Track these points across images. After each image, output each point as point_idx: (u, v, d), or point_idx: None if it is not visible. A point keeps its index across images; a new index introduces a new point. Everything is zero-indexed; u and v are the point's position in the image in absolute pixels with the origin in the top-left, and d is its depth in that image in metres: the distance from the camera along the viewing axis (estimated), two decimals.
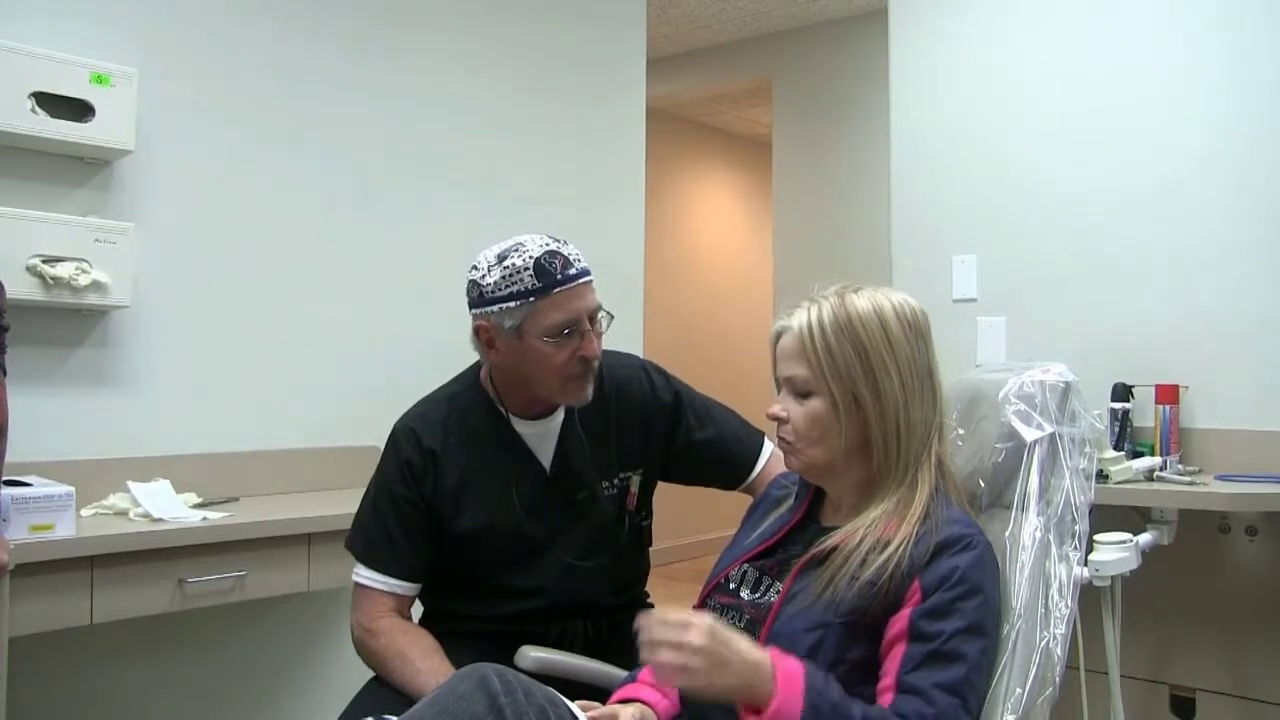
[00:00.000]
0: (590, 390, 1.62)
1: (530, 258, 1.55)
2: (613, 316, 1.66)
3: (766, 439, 1.83)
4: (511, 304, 1.55)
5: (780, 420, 1.36)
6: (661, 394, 1.77)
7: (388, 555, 1.65)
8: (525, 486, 1.66)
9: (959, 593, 1.21)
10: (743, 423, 1.84)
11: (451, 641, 1.62)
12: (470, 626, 1.68)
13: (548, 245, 1.58)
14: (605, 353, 1.69)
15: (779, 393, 1.37)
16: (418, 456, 1.64)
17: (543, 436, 1.68)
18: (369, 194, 2.74)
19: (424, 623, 1.71)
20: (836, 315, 1.31)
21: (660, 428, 1.75)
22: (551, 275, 1.55)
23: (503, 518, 1.64)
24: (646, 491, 1.76)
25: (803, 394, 1.34)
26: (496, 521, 1.64)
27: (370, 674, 1.65)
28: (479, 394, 1.70)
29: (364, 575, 1.66)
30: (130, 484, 2.13)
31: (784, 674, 1.13)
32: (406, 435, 1.67)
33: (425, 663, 1.54)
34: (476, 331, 1.62)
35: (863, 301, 1.33)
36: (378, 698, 1.57)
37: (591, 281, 1.61)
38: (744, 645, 1.13)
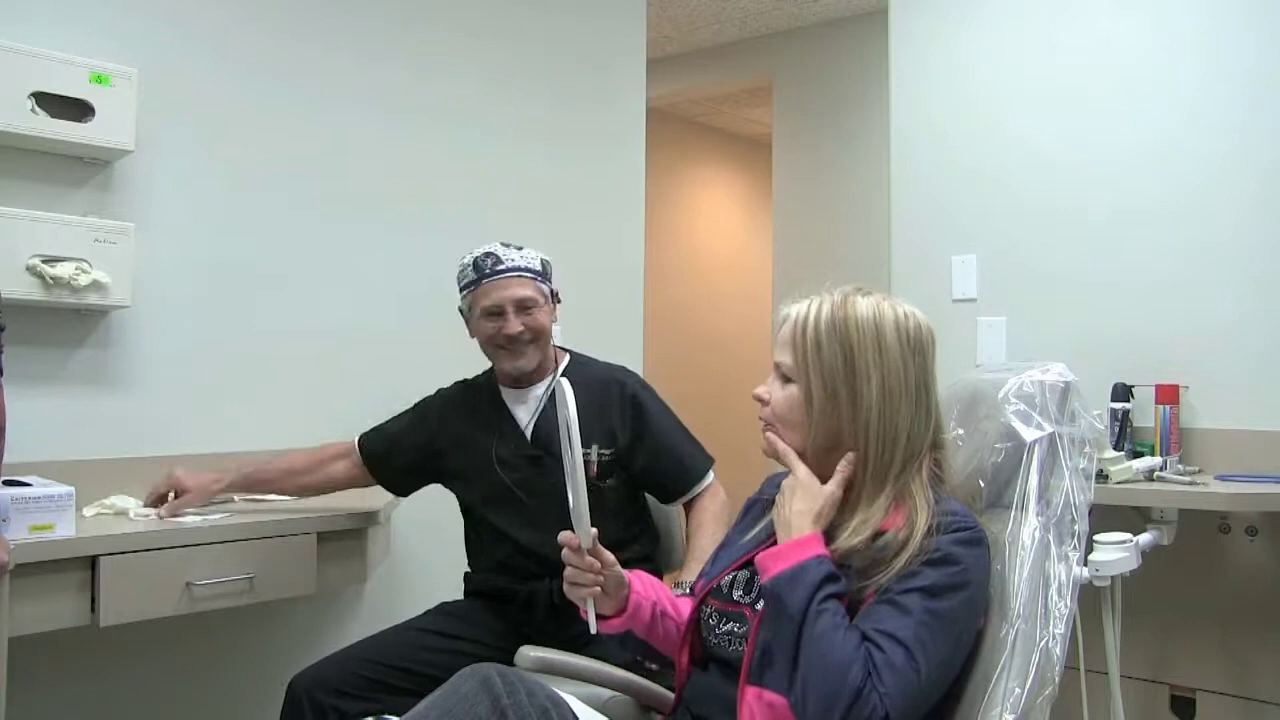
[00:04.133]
0: (521, 362, 2.04)
1: (472, 257, 2.06)
2: (551, 298, 2.09)
3: (712, 471, 2.13)
4: (464, 292, 2.08)
5: (761, 401, 1.38)
6: (627, 394, 2.10)
7: (375, 430, 2.21)
8: (505, 443, 2.08)
9: (929, 559, 1.22)
10: (693, 448, 2.13)
11: (474, 598, 2.13)
12: (480, 578, 2.14)
13: (487, 248, 2.06)
14: (597, 362, 2.19)
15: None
16: (436, 404, 2.19)
17: (525, 405, 2.11)
18: (368, 193, 2.74)
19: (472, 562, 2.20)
20: (834, 314, 1.33)
21: (621, 421, 2.07)
22: (483, 270, 2.03)
23: (480, 461, 2.08)
24: (608, 465, 2.05)
25: (786, 380, 1.36)
26: (476, 463, 2.09)
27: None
28: (488, 376, 2.18)
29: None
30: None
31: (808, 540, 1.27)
32: (437, 393, 2.22)
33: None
34: (460, 313, 2.13)
35: (865, 306, 1.34)
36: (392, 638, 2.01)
37: (521, 275, 2.04)
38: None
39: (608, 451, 2.05)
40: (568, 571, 1.42)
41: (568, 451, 1.37)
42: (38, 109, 2.07)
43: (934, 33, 3.07)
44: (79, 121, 2.12)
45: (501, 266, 2.03)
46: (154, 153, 2.31)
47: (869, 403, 1.30)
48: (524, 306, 2.02)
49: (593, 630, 1.44)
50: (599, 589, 1.42)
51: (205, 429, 2.41)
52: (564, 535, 1.41)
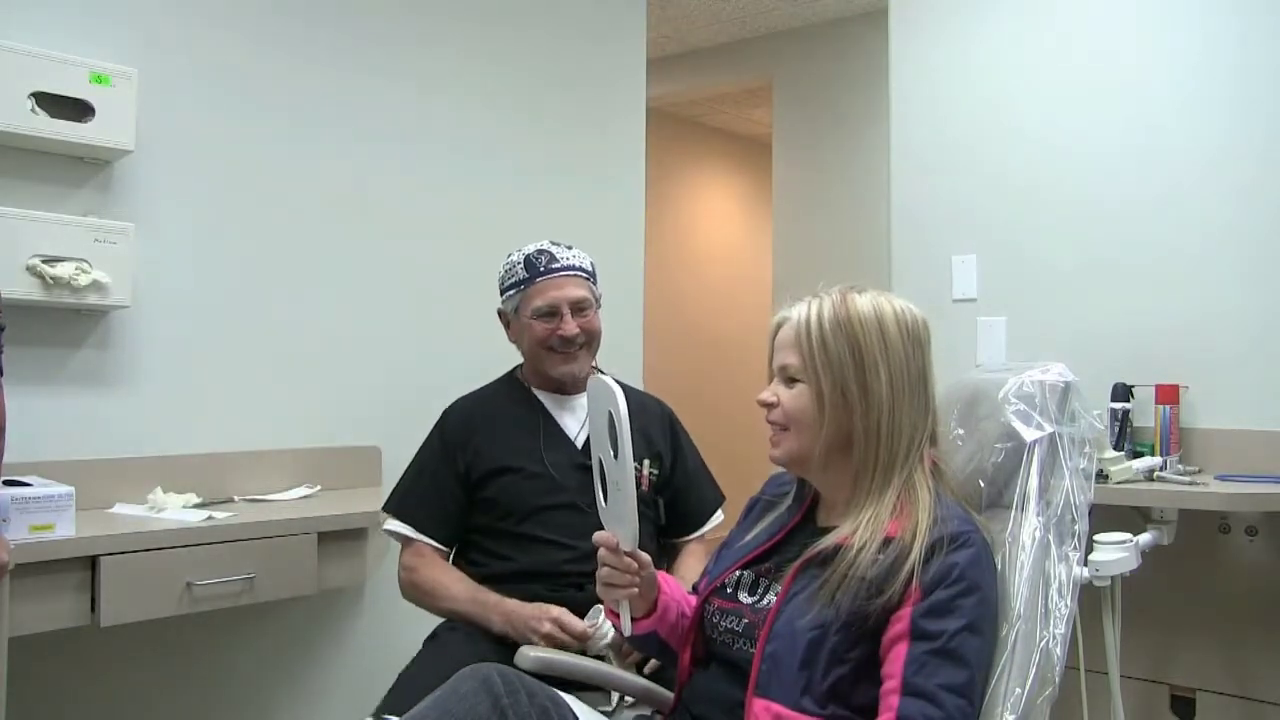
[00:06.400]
0: (574, 367, 1.93)
1: (523, 254, 1.94)
2: (599, 302, 1.98)
3: (721, 509, 2.09)
4: (510, 291, 1.95)
5: (769, 405, 1.38)
6: (666, 417, 2.06)
7: (421, 512, 1.93)
8: (552, 451, 1.92)
9: (958, 590, 1.21)
10: (712, 485, 2.10)
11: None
12: (502, 585, 1.83)
13: (538, 245, 1.96)
14: (634, 390, 2.02)
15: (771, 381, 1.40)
16: (457, 433, 1.95)
17: (571, 411, 1.97)
18: (369, 193, 2.74)
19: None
20: (836, 312, 1.34)
21: (664, 442, 2.02)
22: (536, 268, 1.92)
23: (524, 460, 1.89)
24: (657, 482, 1.98)
25: (792, 382, 1.36)
26: (519, 462, 1.89)
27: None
28: (514, 384, 2.04)
29: (397, 525, 1.94)
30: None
31: None
32: (450, 414, 2.01)
33: (456, 588, 1.84)
34: (499, 314, 2.01)
35: (864, 302, 1.35)
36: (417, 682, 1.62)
37: (576, 275, 1.94)
38: None
39: (655, 471, 1.97)
40: (603, 572, 1.40)
41: (607, 451, 1.36)
42: (38, 109, 2.07)
43: (934, 32, 3.07)
44: (79, 121, 2.12)
45: (557, 265, 1.92)
46: (154, 153, 2.31)
47: (878, 398, 1.31)
48: (580, 308, 1.92)
49: (626, 633, 1.43)
50: (635, 590, 1.41)
51: (205, 429, 2.41)
52: (600, 535, 1.40)
